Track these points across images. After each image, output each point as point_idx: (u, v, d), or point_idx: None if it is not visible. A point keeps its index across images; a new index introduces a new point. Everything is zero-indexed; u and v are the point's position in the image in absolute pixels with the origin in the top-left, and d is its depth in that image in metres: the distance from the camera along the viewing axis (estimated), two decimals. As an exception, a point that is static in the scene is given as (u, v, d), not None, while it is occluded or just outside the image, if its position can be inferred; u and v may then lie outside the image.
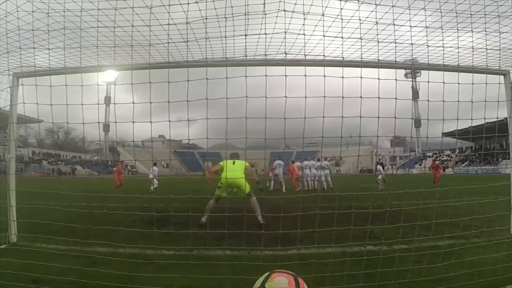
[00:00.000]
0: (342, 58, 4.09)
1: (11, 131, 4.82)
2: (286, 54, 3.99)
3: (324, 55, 3.98)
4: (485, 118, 4.08)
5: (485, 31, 4.04)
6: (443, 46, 4.11)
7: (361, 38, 4.03)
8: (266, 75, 3.57)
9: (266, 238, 4.68)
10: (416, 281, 3.08)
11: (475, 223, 5.63)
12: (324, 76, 3.58)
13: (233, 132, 4.03)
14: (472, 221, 5.67)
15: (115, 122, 3.99)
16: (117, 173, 18.02)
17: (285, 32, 3.74)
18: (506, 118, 4.79)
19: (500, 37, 4.09)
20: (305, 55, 4.26)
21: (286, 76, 3.59)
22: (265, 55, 4.02)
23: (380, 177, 16.93)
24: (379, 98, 3.49)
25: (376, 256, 3.91)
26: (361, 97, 3.40)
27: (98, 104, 3.92)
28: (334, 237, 4.75)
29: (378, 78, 3.63)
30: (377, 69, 4.04)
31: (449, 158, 70.81)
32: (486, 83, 3.93)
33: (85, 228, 4.78)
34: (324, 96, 3.46)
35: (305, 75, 3.60)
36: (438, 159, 18.57)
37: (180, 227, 5.54)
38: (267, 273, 1.59)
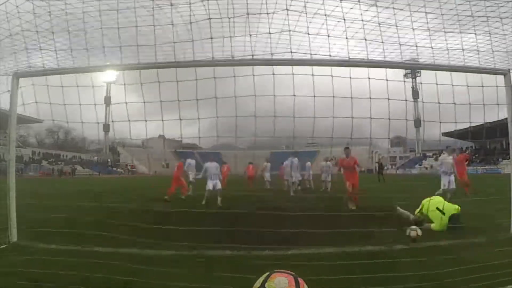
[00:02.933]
0: (346, 58, 4.08)
1: (11, 131, 4.82)
2: (292, 53, 3.97)
3: (330, 55, 3.97)
4: (493, 118, 4.09)
5: (489, 33, 4.04)
6: (431, 48, 4.13)
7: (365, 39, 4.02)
8: (272, 74, 3.58)
9: (266, 238, 4.68)
10: (416, 281, 3.07)
11: (475, 223, 5.64)
12: (316, 77, 3.59)
13: (234, 131, 4.03)
14: (472, 221, 5.68)
15: (128, 106, 3.91)
16: (177, 176, 12.78)
17: (290, 31, 3.72)
18: (506, 118, 4.78)
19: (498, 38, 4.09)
20: (311, 54, 4.24)
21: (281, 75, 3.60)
22: (271, 54, 3.99)
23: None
24: (388, 98, 3.50)
25: (375, 256, 3.92)
26: (370, 99, 3.44)
27: (107, 97, 3.92)
28: (334, 237, 4.76)
29: (385, 79, 3.64)
30: (378, 70, 4.05)
31: (449, 158, 70.53)
32: (481, 84, 3.95)
33: (85, 228, 4.79)
34: (333, 96, 3.48)
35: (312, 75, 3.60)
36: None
37: (180, 227, 5.53)
38: (267, 273, 1.59)
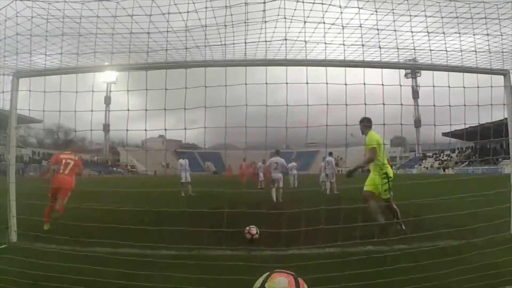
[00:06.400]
0: (343, 58, 4.10)
1: (11, 131, 4.82)
2: (286, 55, 4.00)
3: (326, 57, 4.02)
4: (490, 121, 4.10)
5: (487, 31, 4.06)
6: (439, 48, 4.13)
7: (363, 45, 4.04)
8: (266, 83, 3.61)
9: (266, 238, 4.69)
10: (416, 281, 3.08)
11: (475, 223, 5.63)
12: (327, 81, 3.60)
13: (233, 132, 4.04)
14: (472, 221, 5.67)
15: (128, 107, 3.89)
16: (243, 172, 20.78)
17: (285, 39, 3.75)
18: (506, 118, 4.79)
19: (499, 38, 4.10)
20: (306, 55, 4.27)
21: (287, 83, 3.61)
22: (265, 55, 4.03)
23: None
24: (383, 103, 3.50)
25: (376, 257, 3.91)
26: (365, 104, 3.44)
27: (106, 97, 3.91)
28: (334, 237, 4.76)
29: (381, 83, 3.65)
30: (379, 69, 4.05)
31: (449, 158, 70.86)
32: (478, 85, 3.96)
33: (85, 228, 4.79)
34: (327, 103, 3.47)
35: (306, 81, 3.61)
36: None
37: (181, 227, 5.53)
38: (267, 273, 1.59)
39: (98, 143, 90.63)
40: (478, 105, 3.94)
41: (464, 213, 5.80)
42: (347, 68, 3.99)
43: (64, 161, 6.31)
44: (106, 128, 74.78)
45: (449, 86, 3.90)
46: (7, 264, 3.58)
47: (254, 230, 4.82)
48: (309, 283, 1.56)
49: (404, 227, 5.26)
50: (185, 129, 3.63)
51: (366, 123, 5.36)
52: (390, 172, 5.39)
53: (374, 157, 5.27)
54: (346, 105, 3.56)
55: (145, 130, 3.69)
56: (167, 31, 3.74)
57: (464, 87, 3.95)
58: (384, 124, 3.66)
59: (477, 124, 4.15)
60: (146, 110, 3.68)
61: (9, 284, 3.11)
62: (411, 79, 76.20)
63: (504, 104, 4.41)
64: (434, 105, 3.85)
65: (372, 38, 4.09)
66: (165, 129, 3.69)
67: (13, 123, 4.75)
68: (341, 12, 3.64)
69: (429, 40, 4.16)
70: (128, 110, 3.78)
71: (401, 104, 3.66)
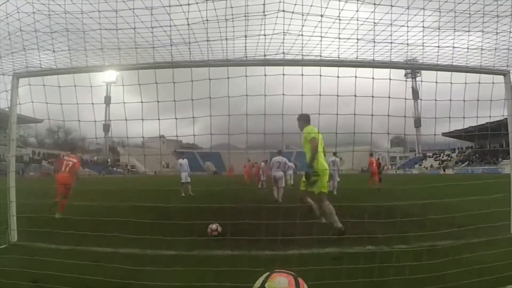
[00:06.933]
0: (339, 58, 4.12)
1: (11, 131, 4.82)
2: (284, 54, 4.02)
3: (321, 55, 4.03)
4: (490, 117, 4.10)
5: (482, 31, 4.05)
6: (438, 46, 4.13)
7: (357, 39, 4.05)
8: (265, 75, 3.66)
9: (266, 238, 4.68)
10: (416, 281, 3.08)
11: (475, 222, 5.63)
12: (320, 75, 3.63)
13: (233, 131, 4.04)
14: (472, 221, 5.68)
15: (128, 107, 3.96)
16: (247, 171, 22.99)
17: (284, 33, 3.76)
18: (506, 118, 4.79)
19: (499, 37, 4.10)
20: (302, 55, 4.28)
21: (283, 75, 3.65)
22: (265, 55, 4.04)
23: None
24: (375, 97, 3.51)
25: (376, 256, 3.92)
26: (355, 95, 3.47)
27: (106, 101, 3.93)
28: (334, 237, 4.77)
29: (377, 78, 3.66)
30: (375, 69, 4.06)
31: (449, 158, 70.89)
32: (493, 83, 3.97)
33: (85, 227, 4.79)
34: (320, 95, 3.50)
35: (302, 75, 3.64)
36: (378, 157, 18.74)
37: (181, 226, 5.53)
38: (267, 273, 1.60)
39: (98, 143, 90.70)
40: (478, 100, 3.95)
41: (464, 213, 5.80)
42: (346, 68, 4.02)
43: (65, 162, 7.86)
44: (106, 128, 74.81)
45: (444, 82, 3.92)
46: (7, 264, 3.59)
47: (214, 226, 5.24)
48: (309, 283, 1.56)
49: (324, 221, 5.21)
50: (193, 117, 3.67)
51: (305, 119, 5.44)
52: (321, 166, 5.25)
53: (316, 145, 5.19)
54: (338, 96, 3.59)
55: (158, 119, 3.75)
56: (170, 26, 3.73)
57: (461, 83, 3.97)
58: (372, 115, 3.66)
59: (477, 124, 4.15)
60: (158, 101, 3.78)
61: (9, 284, 3.11)
62: (411, 79, 76.15)
63: (502, 99, 4.41)
64: (428, 99, 3.89)
65: (365, 32, 4.10)
66: (176, 118, 3.74)
67: (13, 123, 4.75)
68: (341, 9, 3.63)
69: (428, 38, 4.16)
70: (142, 102, 3.85)
71: (389, 97, 3.65)
